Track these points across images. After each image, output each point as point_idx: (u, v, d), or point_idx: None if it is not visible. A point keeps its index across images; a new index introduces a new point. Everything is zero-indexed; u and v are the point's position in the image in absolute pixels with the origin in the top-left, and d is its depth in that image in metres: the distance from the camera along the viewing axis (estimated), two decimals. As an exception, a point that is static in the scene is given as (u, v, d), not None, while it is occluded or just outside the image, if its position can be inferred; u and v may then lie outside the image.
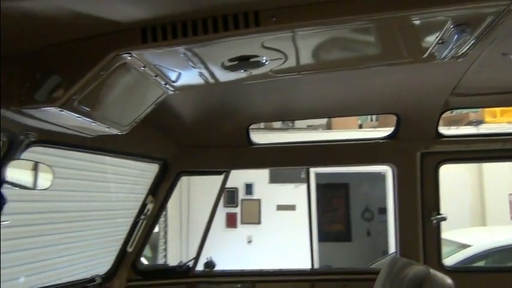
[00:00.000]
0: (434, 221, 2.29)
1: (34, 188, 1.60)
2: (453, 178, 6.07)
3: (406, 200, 2.31)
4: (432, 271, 1.66)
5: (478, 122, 6.87)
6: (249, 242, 7.96)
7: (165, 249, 7.18)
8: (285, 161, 2.47)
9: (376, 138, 2.40)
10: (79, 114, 1.32)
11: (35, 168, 1.59)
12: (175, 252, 7.24)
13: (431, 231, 2.29)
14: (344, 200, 10.33)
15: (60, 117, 1.34)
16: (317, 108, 2.20)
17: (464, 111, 6.93)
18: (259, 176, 8.34)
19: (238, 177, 8.61)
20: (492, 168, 6.94)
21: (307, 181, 2.95)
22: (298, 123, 8.28)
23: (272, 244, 7.90)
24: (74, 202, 4.03)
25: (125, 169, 4.42)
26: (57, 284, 2.07)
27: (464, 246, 4.48)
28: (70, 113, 1.29)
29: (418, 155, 2.30)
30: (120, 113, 1.52)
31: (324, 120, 8.31)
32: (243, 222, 8.27)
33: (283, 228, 8.15)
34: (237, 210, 8.30)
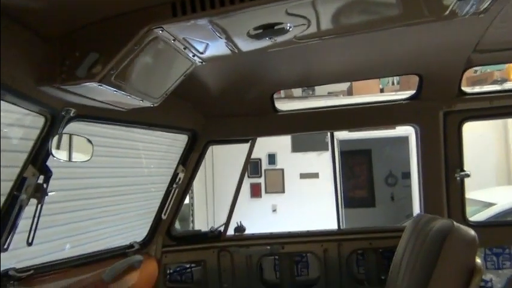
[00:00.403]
0: (458, 178, 2.33)
1: (76, 160, 1.70)
2: (478, 138, 6.04)
3: (430, 158, 2.35)
4: (456, 224, 1.72)
5: (503, 81, 6.75)
6: (274, 210, 8.11)
7: (192, 221, 7.39)
8: (310, 126, 2.53)
9: (399, 99, 2.43)
10: (115, 88, 1.41)
11: (76, 141, 1.69)
12: (202, 222, 7.44)
13: (455, 188, 2.34)
14: (367, 166, 10.34)
15: (98, 92, 1.42)
16: (339, 73, 2.23)
17: (488, 70, 6.82)
18: (281, 146, 8.41)
19: (261, 148, 8.72)
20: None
21: (332, 145, 3.00)
22: (319, 91, 8.26)
23: (296, 212, 8.03)
24: (109, 178, 4.22)
25: (154, 145, 4.60)
26: (99, 251, 2.21)
27: (489, 204, 4.51)
28: (108, 87, 1.37)
29: (441, 114, 2.32)
30: (152, 85, 1.60)
31: (345, 87, 8.27)
32: (267, 192, 8.41)
33: (307, 196, 8.26)
34: (261, 180, 8.43)
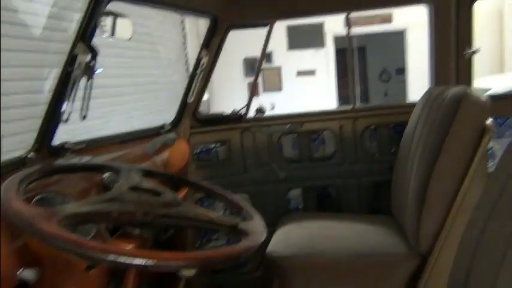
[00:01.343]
0: (467, 55, 2.47)
1: (119, 37, 1.81)
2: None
3: (440, 36, 2.47)
4: (469, 89, 1.88)
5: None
6: (272, 108, 8.32)
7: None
8: (326, 8, 2.59)
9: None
10: None
11: (118, 21, 1.79)
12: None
13: (464, 64, 2.49)
14: (362, 62, 10.42)
15: None
16: None
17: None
18: (278, 44, 8.39)
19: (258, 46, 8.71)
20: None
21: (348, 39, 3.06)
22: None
23: (294, 108, 8.25)
24: (135, 69, 4.48)
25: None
26: (137, 130, 2.39)
27: (484, 90, 4.72)
28: None
29: None
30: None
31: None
32: (265, 90, 8.57)
33: (304, 93, 8.44)
34: (258, 79, 8.55)
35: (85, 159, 1.79)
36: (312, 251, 2.06)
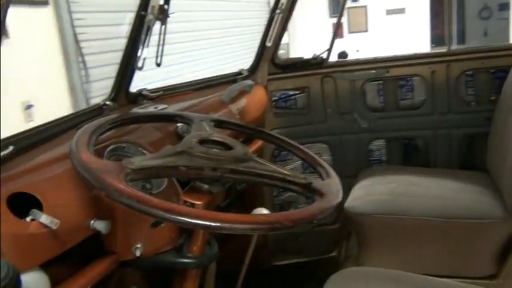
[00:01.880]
0: None
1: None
2: None
3: None
4: None
5: None
6: (357, 50, 7.90)
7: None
8: None
9: None
10: None
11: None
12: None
13: None
14: (459, -3, 9.48)
15: None
16: None
17: None
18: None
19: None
20: None
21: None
22: None
23: (381, 52, 7.78)
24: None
25: None
26: (213, 77, 2.34)
27: None
28: None
29: None
30: None
31: None
32: (350, 32, 8.13)
33: (393, 34, 7.89)
34: (343, 19, 8.09)
35: (161, 107, 1.77)
36: (394, 209, 1.93)
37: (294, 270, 2.59)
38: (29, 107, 3.46)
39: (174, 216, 0.85)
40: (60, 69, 3.84)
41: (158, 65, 1.78)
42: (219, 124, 1.43)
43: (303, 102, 2.64)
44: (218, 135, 1.21)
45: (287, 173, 1.13)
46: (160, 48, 1.76)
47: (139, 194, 0.88)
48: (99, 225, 1.11)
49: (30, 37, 3.48)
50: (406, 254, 1.90)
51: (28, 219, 0.99)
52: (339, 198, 1.09)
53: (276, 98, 2.64)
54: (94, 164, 0.93)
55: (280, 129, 2.60)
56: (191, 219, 0.86)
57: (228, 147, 1.17)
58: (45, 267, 1.02)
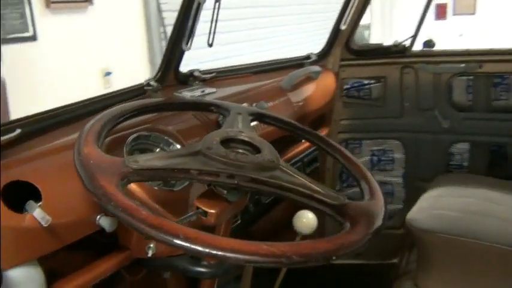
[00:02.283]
0: None
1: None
2: None
3: None
4: None
5: None
6: (460, 35, 7.18)
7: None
8: None
9: None
10: None
11: None
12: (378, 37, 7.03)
13: None
14: None
15: None
16: None
17: None
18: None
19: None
20: None
21: None
22: None
23: (489, 39, 6.97)
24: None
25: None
26: (276, 60, 2.16)
27: None
28: None
29: None
30: None
31: None
32: (455, 13, 7.40)
33: (505, 18, 7.03)
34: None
35: (208, 91, 1.65)
36: (463, 229, 1.65)
37: (349, 272, 2.40)
38: (107, 74, 3.54)
39: (161, 235, 0.72)
40: (142, 39, 3.87)
41: (210, 45, 1.65)
42: (259, 118, 1.26)
43: (377, 93, 2.38)
44: (246, 134, 1.05)
45: (317, 189, 0.94)
46: (213, 26, 1.62)
47: (127, 203, 0.76)
48: (104, 222, 1.02)
49: (113, 4, 3.53)
50: (470, 284, 1.63)
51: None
52: (378, 223, 0.89)
53: (348, 86, 2.41)
54: (93, 159, 0.83)
55: (349, 120, 2.39)
56: (180, 241, 0.72)
57: (255, 149, 1.01)
58: (58, 255, 0.97)
